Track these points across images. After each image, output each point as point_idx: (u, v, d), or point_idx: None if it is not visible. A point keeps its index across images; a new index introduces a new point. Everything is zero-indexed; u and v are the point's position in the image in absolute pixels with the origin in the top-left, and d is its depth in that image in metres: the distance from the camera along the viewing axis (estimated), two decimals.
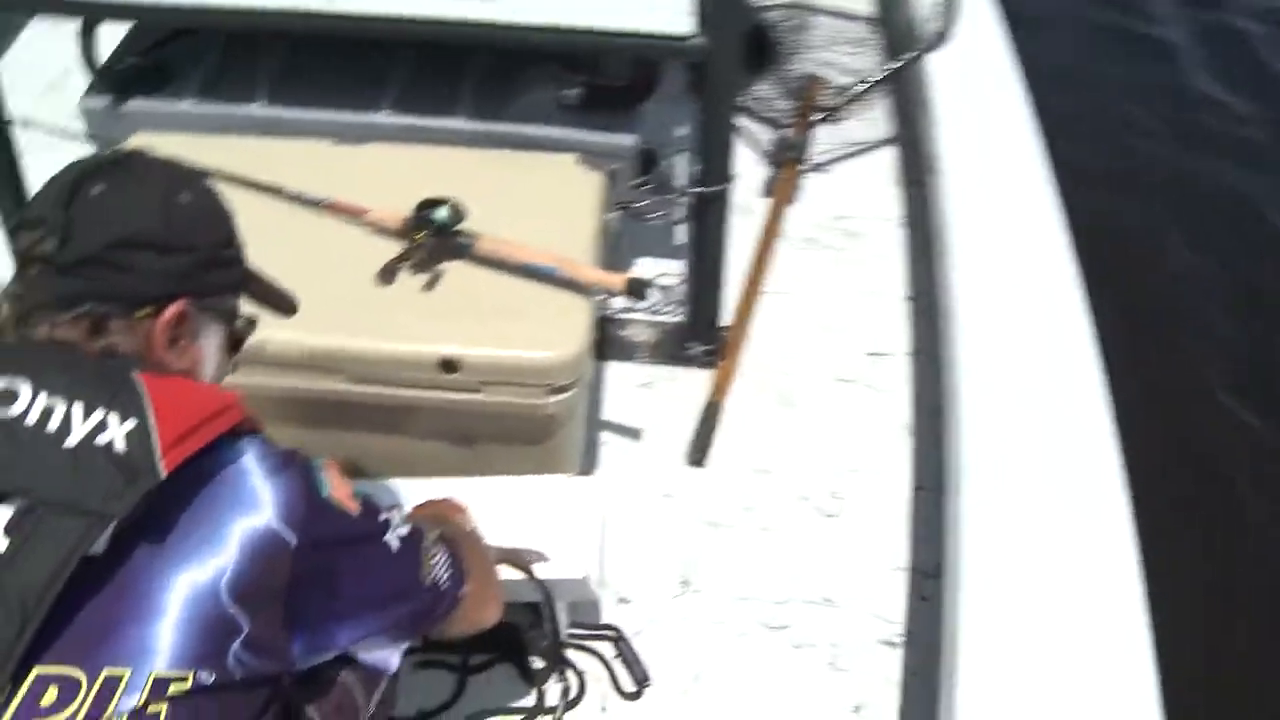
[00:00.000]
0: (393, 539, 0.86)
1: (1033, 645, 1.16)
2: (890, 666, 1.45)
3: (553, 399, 1.37)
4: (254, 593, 0.73)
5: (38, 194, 0.79)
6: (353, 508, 0.83)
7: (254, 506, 0.74)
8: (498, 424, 1.40)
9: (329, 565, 0.79)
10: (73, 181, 0.78)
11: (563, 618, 1.43)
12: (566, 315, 1.38)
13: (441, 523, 1.07)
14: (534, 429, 1.41)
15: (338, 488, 0.82)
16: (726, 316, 1.81)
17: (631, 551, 1.60)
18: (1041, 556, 1.23)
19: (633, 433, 1.74)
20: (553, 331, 1.35)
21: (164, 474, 0.71)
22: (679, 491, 1.67)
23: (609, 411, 1.77)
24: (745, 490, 1.68)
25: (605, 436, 1.74)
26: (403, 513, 0.93)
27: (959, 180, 1.66)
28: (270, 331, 1.30)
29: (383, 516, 0.87)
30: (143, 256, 0.79)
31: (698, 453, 1.72)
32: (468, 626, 0.99)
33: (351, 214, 1.45)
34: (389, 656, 0.94)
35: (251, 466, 0.77)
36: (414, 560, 0.88)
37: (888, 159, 2.11)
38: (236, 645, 0.73)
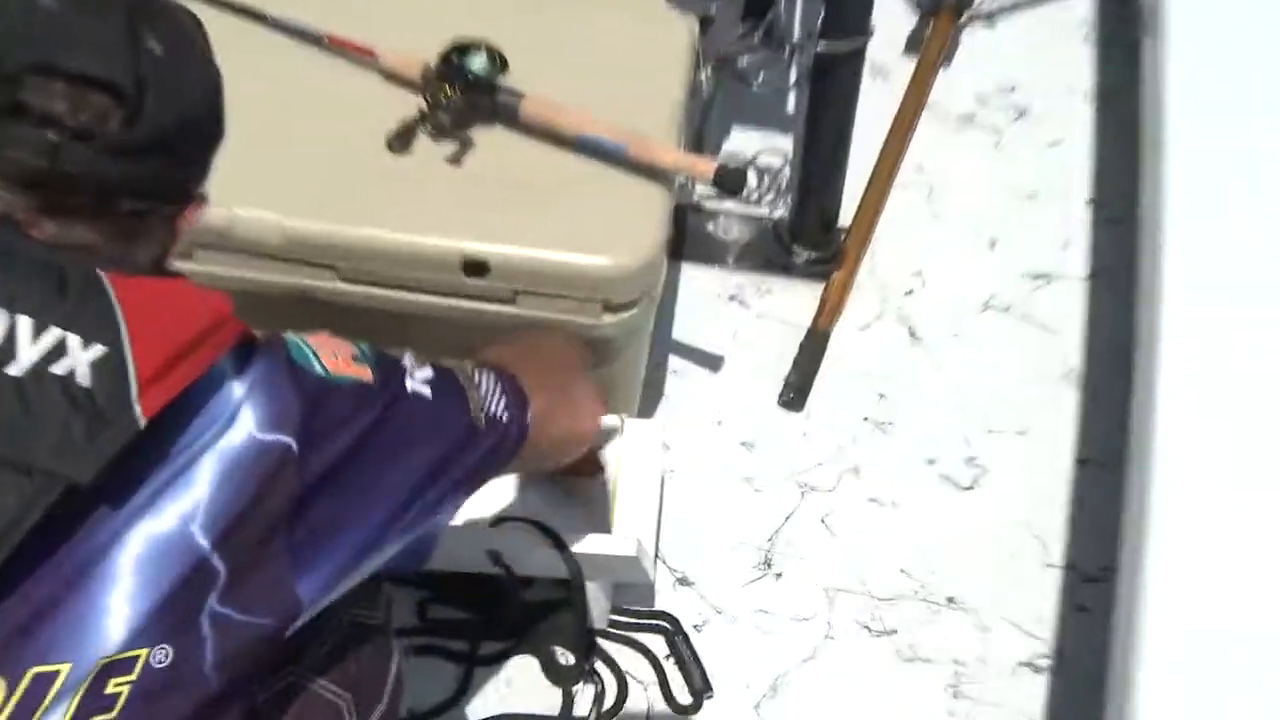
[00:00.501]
0: (419, 386, 0.84)
1: (1241, 683, 1.01)
2: (1031, 697, 1.41)
3: (609, 319, 1.31)
4: (239, 527, 0.71)
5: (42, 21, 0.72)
6: (360, 373, 0.80)
7: (229, 421, 0.73)
8: None
9: (350, 458, 0.77)
10: (130, 27, 0.73)
11: (601, 600, 1.43)
12: (634, 209, 1.31)
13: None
14: (594, 351, 1.36)
15: (333, 355, 0.80)
16: (846, 215, 1.77)
17: (698, 520, 1.59)
18: (1263, 564, 1.06)
19: (710, 362, 1.71)
20: (614, 230, 1.28)
21: (143, 422, 0.67)
22: (765, 442, 1.64)
23: (682, 331, 1.73)
24: (853, 447, 1.65)
25: (675, 364, 1.71)
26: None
27: (1190, 46, 1.38)
28: (242, 209, 1.28)
29: (401, 360, 0.85)
30: (195, 139, 0.77)
31: (795, 393, 1.69)
32: (553, 452, 0.99)
33: (356, 55, 1.35)
34: (443, 519, 0.92)
35: (231, 381, 0.75)
36: (455, 401, 0.86)
37: (1083, 10, 1.99)
38: (213, 600, 0.71)
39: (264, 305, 1.35)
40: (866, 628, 1.51)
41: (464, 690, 1.45)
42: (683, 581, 1.56)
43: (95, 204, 0.72)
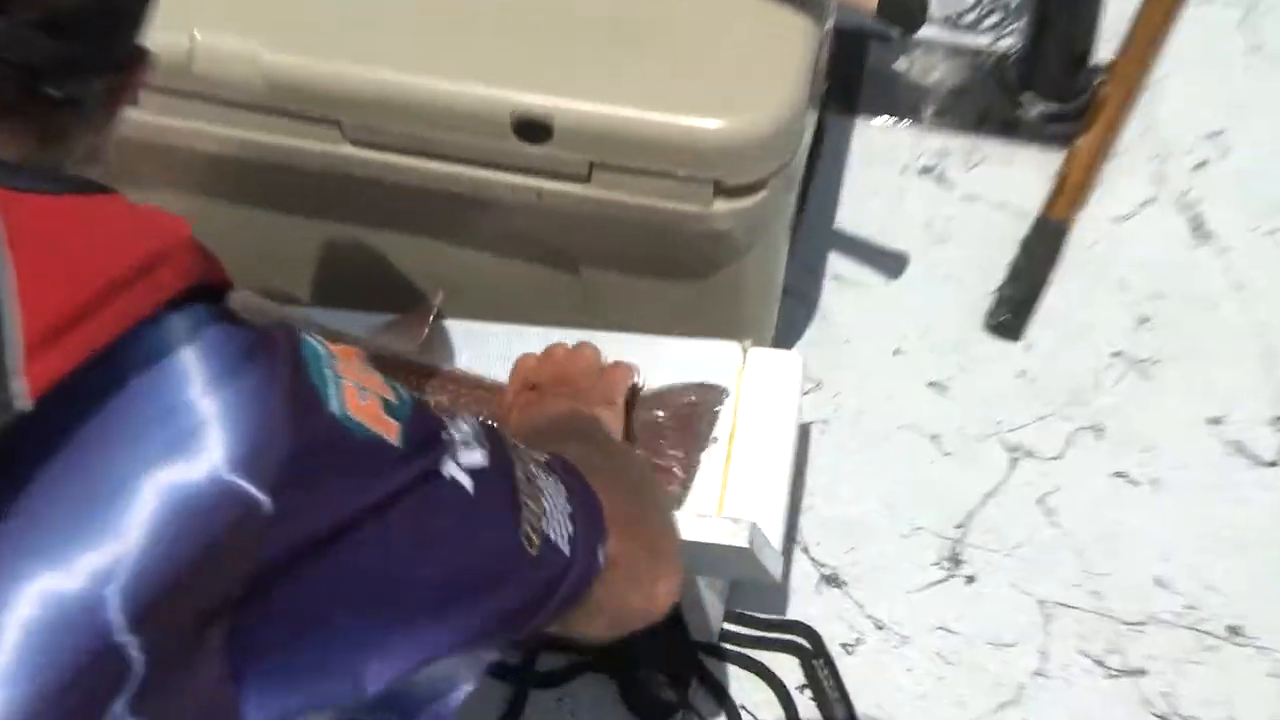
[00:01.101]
0: (459, 473, 0.81)
1: None
2: None
3: (723, 207, 1.28)
4: (172, 609, 0.68)
5: None
6: (386, 429, 0.77)
7: (184, 443, 0.69)
8: (621, 241, 1.36)
9: (335, 543, 0.74)
10: None
11: (709, 603, 1.41)
12: (761, 46, 1.28)
13: (559, 429, 1.08)
14: (689, 256, 1.37)
15: (359, 388, 0.77)
16: (1106, 47, 1.77)
17: (856, 494, 1.59)
18: None
19: (889, 264, 1.72)
20: (731, 77, 1.26)
21: (25, 402, 0.63)
22: (963, 385, 1.65)
23: (849, 218, 1.75)
24: (1095, 396, 1.64)
25: (836, 266, 1.73)
26: (476, 416, 0.88)
27: None
28: (206, 35, 1.26)
29: (442, 432, 0.83)
30: None
31: (1011, 312, 1.69)
32: (612, 620, 0.96)
33: None
34: (458, 683, 0.92)
35: (191, 364, 0.71)
36: (503, 506, 0.84)
37: None
38: (119, 707, 0.67)
39: (229, 179, 1.35)
40: (1100, 663, 1.49)
41: (513, 718, 1.47)
42: (830, 581, 1.55)
43: (15, 96, 0.71)
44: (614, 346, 1.30)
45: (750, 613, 1.50)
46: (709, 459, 1.27)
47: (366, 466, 0.76)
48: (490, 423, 0.90)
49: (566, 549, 0.88)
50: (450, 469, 0.81)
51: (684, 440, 1.27)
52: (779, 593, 1.51)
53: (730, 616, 1.49)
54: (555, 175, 1.28)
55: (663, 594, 0.99)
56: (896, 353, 1.66)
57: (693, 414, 1.27)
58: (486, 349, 1.31)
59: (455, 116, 1.25)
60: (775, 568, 1.27)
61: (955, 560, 1.54)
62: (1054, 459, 1.59)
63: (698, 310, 1.42)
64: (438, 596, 0.80)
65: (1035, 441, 1.60)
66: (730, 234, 1.32)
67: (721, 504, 1.28)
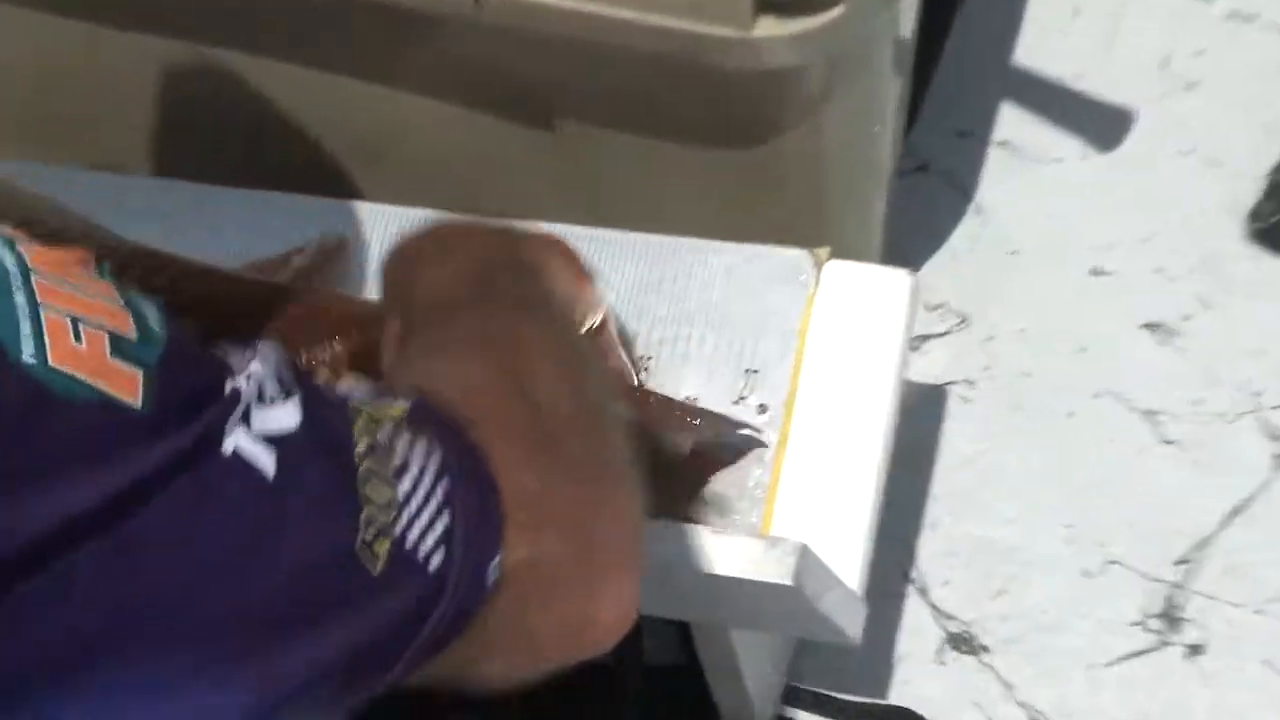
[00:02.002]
0: (252, 445, 0.79)
1: None
2: None
3: (776, 27, 1.27)
4: None
5: None
6: (118, 380, 0.75)
7: None
8: (612, 83, 1.39)
9: (43, 574, 0.73)
10: None
11: (758, 677, 1.42)
12: None
13: (449, 362, 1.04)
14: (723, 110, 1.38)
15: (67, 331, 0.75)
16: None
17: (1007, 503, 1.58)
18: None
19: (1093, 124, 1.73)
20: None
21: None
22: (1205, 329, 1.65)
23: (1028, 52, 1.77)
24: None
25: (1000, 128, 1.75)
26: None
27: None
28: None
29: (226, 381, 0.80)
30: None
31: None
32: (518, 659, 0.94)
33: None
34: None
35: None
36: (326, 497, 0.82)
37: None
38: None
39: None
40: None
41: None
42: (962, 644, 1.53)
43: None
44: (610, 252, 1.31)
45: (826, 692, 1.49)
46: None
47: (84, 446, 0.72)
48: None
49: (435, 562, 0.82)
50: (237, 440, 0.77)
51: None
52: (874, 660, 1.50)
53: (792, 697, 1.48)
54: None
55: (608, 610, 0.93)
56: (1095, 273, 1.63)
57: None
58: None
59: None
60: (852, 620, 1.25)
61: (1172, 618, 1.51)
62: None
63: (742, 197, 1.44)
64: (207, 653, 0.76)
65: None
66: (788, 75, 1.31)
67: (769, 513, 1.25)
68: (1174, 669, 1.48)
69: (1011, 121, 1.74)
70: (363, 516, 0.79)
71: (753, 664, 1.42)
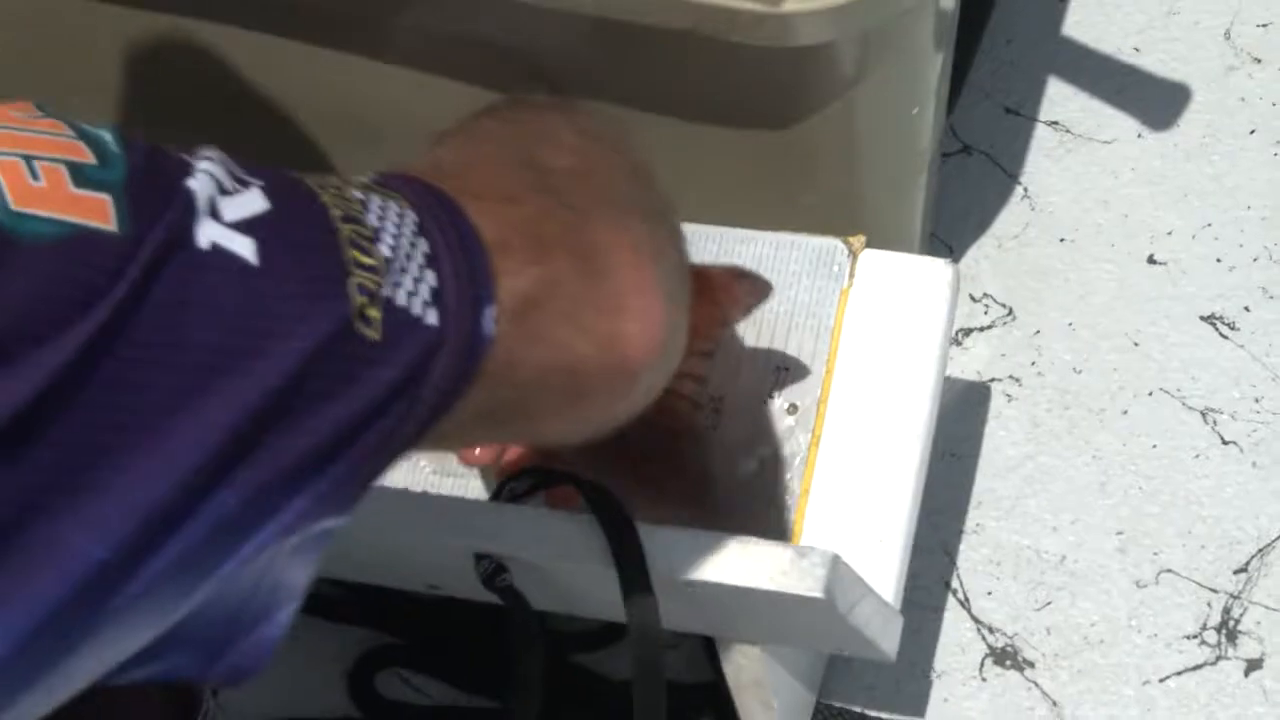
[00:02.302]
0: (227, 235, 0.82)
1: None
2: None
3: (808, 1, 1.25)
4: None
5: None
6: (85, 208, 0.78)
7: None
8: (629, 61, 1.40)
9: (51, 408, 0.76)
10: None
11: (788, 693, 1.42)
12: None
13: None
14: (751, 91, 1.38)
15: (23, 172, 0.78)
16: None
17: (1055, 508, 1.56)
18: None
19: (1149, 100, 1.72)
20: None
21: None
22: (1267, 322, 1.64)
23: (1080, 21, 1.76)
24: None
25: (1049, 104, 1.73)
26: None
27: None
28: None
29: (186, 179, 0.82)
30: None
31: None
32: (564, 407, 1.01)
33: None
34: (281, 594, 0.92)
35: None
36: (311, 268, 0.85)
37: None
38: None
39: None
40: None
41: None
42: (1006, 659, 1.50)
43: None
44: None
45: (860, 710, 1.48)
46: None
47: (67, 286, 0.74)
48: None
49: (431, 319, 0.85)
50: (209, 232, 0.79)
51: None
52: (911, 677, 1.48)
53: (824, 716, 1.47)
54: None
55: (632, 323, 0.99)
56: (1151, 262, 1.60)
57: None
58: None
59: None
60: (888, 634, 1.25)
61: (1230, 631, 1.47)
62: None
63: (773, 183, 1.43)
64: (234, 424, 0.79)
65: None
66: (821, 52, 1.29)
67: (800, 520, 1.28)
68: (1232, 685, 1.45)
69: (1061, 99, 1.71)
70: (352, 283, 0.81)
71: (782, 682, 1.40)
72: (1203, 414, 1.55)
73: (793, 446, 1.30)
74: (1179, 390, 1.56)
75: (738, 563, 1.18)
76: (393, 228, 0.86)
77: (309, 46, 1.47)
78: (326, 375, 0.82)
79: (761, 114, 1.38)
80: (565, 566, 1.24)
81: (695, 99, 1.40)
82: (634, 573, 1.22)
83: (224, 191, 0.80)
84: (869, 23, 1.27)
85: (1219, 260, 1.61)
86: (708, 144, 1.42)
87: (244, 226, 0.80)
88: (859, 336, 1.30)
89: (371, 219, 0.85)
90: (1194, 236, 1.62)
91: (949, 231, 1.63)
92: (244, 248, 0.79)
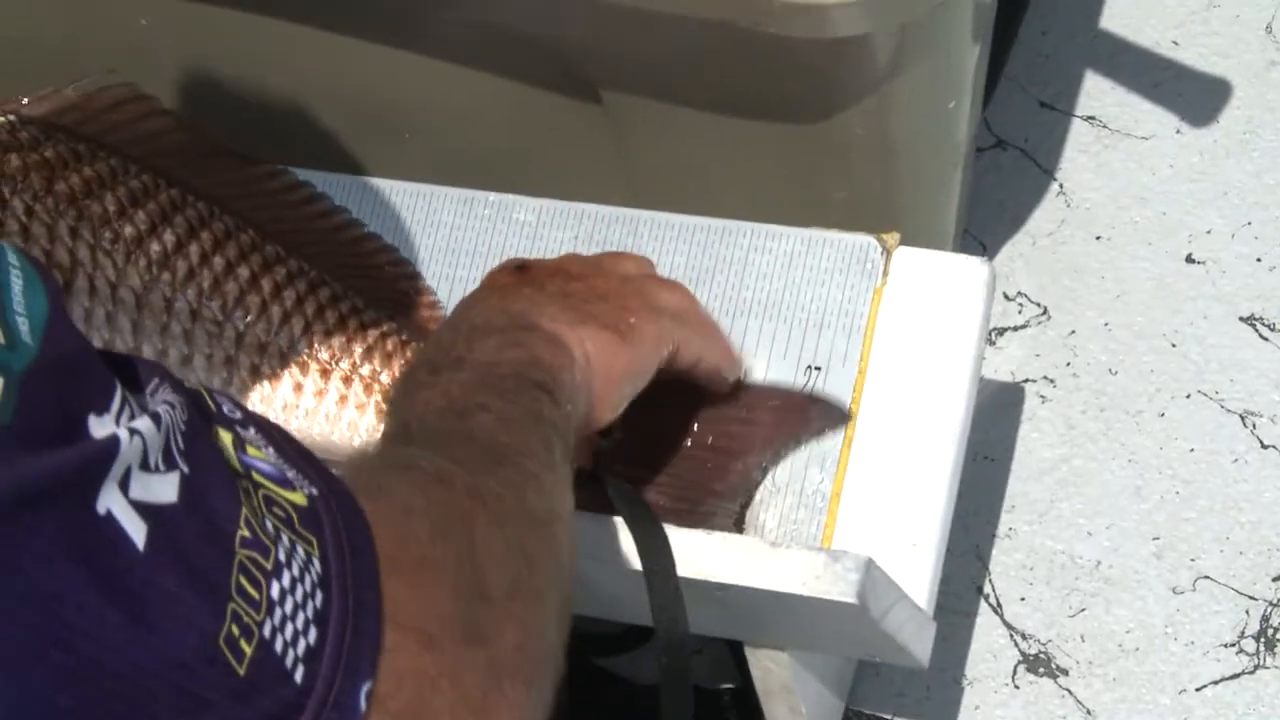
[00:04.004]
0: (126, 512, 0.78)
1: None
2: None
3: None
4: None
5: None
6: None
7: None
8: (664, 53, 1.37)
9: None
10: None
11: (817, 701, 1.43)
12: None
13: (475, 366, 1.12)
14: (787, 84, 1.36)
15: None
16: None
17: (1091, 513, 1.56)
18: None
19: (1189, 95, 1.72)
20: None
21: None
22: None
23: (1119, 13, 1.76)
24: None
25: (1086, 99, 1.73)
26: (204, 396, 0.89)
27: None
28: None
29: (115, 425, 0.80)
30: None
31: None
32: None
33: None
34: None
35: None
36: (196, 584, 0.82)
37: None
38: None
39: None
40: None
41: None
42: (1039, 666, 1.52)
43: None
44: (658, 236, 1.34)
45: (889, 717, 1.49)
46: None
47: None
48: (224, 410, 0.86)
49: (299, 676, 0.82)
50: (110, 503, 0.76)
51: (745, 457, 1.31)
52: (942, 683, 1.50)
53: None
54: None
55: None
56: (1189, 261, 1.61)
57: (779, 422, 1.30)
58: (465, 221, 1.39)
59: None
60: (920, 641, 1.25)
61: (1269, 639, 1.49)
62: None
63: (805, 178, 1.42)
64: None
65: None
66: (857, 43, 1.27)
67: (831, 523, 1.27)
68: (1270, 695, 1.47)
69: (1098, 93, 1.72)
70: (231, 608, 0.79)
71: (810, 688, 1.40)
72: (1241, 417, 1.55)
73: (825, 448, 1.29)
74: (1217, 392, 1.56)
75: (769, 567, 1.18)
76: (294, 571, 0.84)
77: (335, 36, 1.46)
78: (178, 689, 0.80)
79: (795, 108, 1.36)
80: (593, 569, 1.22)
81: (728, 92, 1.37)
82: (662, 576, 1.20)
83: (146, 464, 0.79)
84: (907, 15, 1.25)
85: (1259, 260, 1.61)
86: (740, 138, 1.40)
87: (144, 510, 0.78)
88: (893, 336, 1.29)
89: (279, 554, 0.84)
90: (1233, 235, 1.62)
91: (982, 228, 1.63)
92: (135, 531, 0.77)
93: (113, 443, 0.77)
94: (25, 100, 1.37)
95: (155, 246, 1.29)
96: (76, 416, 0.77)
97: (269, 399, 1.32)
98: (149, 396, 0.83)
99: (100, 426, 0.78)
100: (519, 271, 1.23)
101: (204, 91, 1.55)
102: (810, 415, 1.31)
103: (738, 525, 1.31)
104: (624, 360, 1.20)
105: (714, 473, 1.33)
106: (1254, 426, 1.55)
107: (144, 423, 0.78)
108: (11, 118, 1.34)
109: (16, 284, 0.79)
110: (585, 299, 1.20)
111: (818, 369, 1.33)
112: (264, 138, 1.46)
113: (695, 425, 1.34)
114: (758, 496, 1.33)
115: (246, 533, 0.82)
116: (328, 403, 1.31)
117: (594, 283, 1.22)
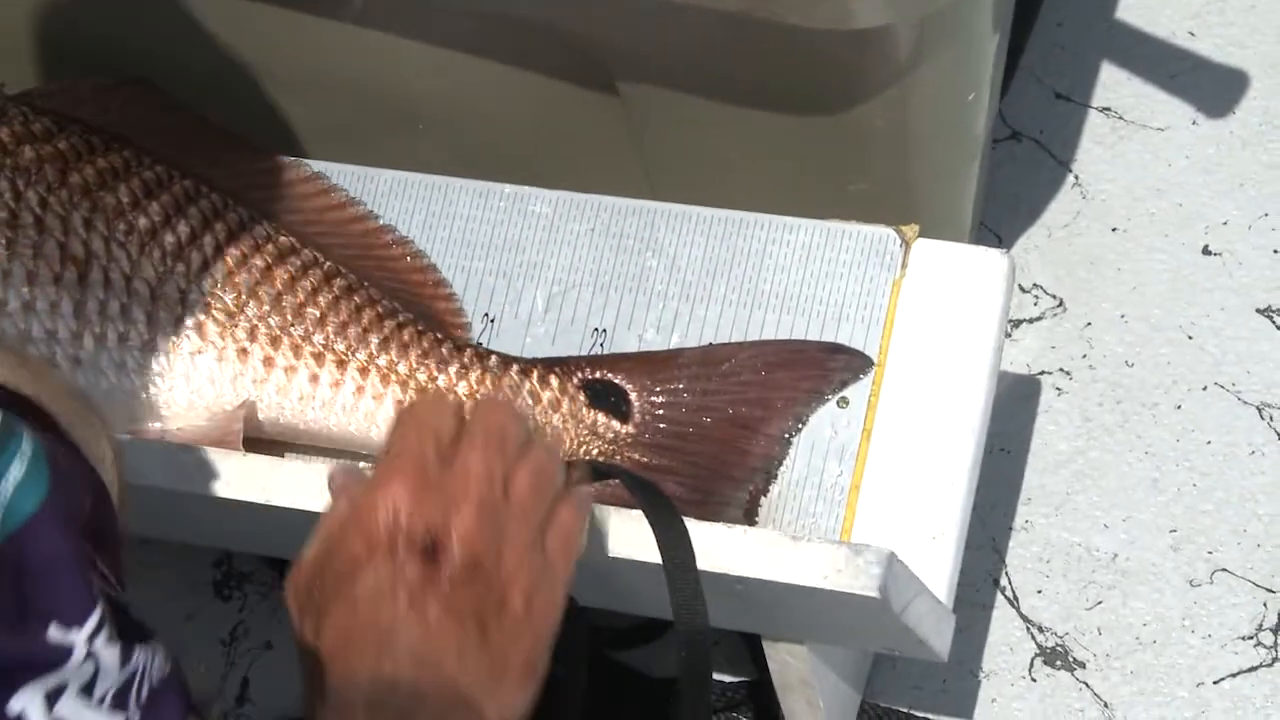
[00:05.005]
0: (36, 709, 0.78)
1: None
2: None
3: None
4: None
5: None
6: None
7: None
8: (681, 44, 1.37)
9: None
10: None
11: (834, 694, 1.42)
12: None
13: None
14: (807, 75, 1.36)
15: None
16: None
17: (1107, 505, 1.56)
18: None
19: (1206, 85, 1.71)
20: None
21: None
22: None
23: (1136, 4, 1.72)
24: None
25: (1103, 90, 1.73)
26: None
27: None
28: None
29: (73, 631, 0.80)
30: None
31: None
32: None
33: None
34: None
35: None
36: None
37: None
38: None
39: None
40: None
41: None
42: (1056, 659, 1.51)
43: None
44: (675, 228, 1.33)
45: (906, 711, 1.48)
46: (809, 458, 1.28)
47: None
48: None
49: None
50: (27, 703, 0.75)
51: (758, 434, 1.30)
52: (958, 676, 1.49)
53: (870, 716, 1.47)
54: None
55: None
56: (1206, 253, 1.61)
57: (793, 388, 1.29)
58: (480, 213, 1.37)
59: None
60: (940, 634, 1.26)
61: None
62: None
63: (824, 170, 1.42)
64: None
65: None
66: (877, 35, 1.28)
67: (850, 516, 1.27)
68: None
69: (1114, 84, 1.72)
70: None
71: (828, 681, 1.39)
72: (1258, 409, 1.55)
73: (844, 440, 1.29)
74: (1234, 385, 1.56)
75: (790, 560, 1.17)
76: None
77: (350, 27, 1.45)
78: None
79: (815, 99, 1.36)
80: (612, 562, 1.22)
81: (747, 84, 1.37)
82: (682, 570, 1.20)
83: (86, 691, 0.78)
84: (928, 6, 1.26)
85: (1276, 251, 1.61)
86: (759, 130, 1.40)
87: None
88: (911, 328, 1.29)
89: None
90: (1250, 227, 1.62)
91: (998, 220, 1.62)
92: None
93: (60, 654, 0.76)
94: (39, 92, 1.36)
95: (169, 238, 1.28)
96: (35, 615, 0.77)
97: (285, 390, 1.29)
98: (139, 645, 0.81)
99: (61, 635, 0.77)
100: (426, 563, 1.00)
101: (218, 84, 1.53)
102: (829, 367, 1.30)
103: (751, 512, 1.31)
104: (534, 684, 1.12)
105: (736, 451, 1.32)
106: (1271, 419, 1.54)
107: (109, 653, 0.77)
108: (26, 110, 1.33)
109: (14, 474, 0.78)
110: (495, 616, 1.03)
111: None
112: (279, 130, 1.49)
113: (712, 403, 1.33)
114: (774, 489, 1.32)
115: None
116: (344, 393, 1.28)
117: (499, 573, 1.03)
